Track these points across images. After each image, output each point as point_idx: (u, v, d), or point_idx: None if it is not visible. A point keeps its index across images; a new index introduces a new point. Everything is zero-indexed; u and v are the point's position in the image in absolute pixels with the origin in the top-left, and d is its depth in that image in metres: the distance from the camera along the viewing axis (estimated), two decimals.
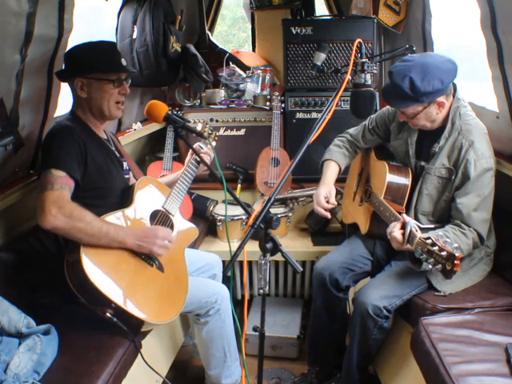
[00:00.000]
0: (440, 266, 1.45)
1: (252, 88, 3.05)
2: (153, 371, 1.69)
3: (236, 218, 2.62)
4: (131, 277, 1.61)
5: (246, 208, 1.51)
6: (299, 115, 2.81)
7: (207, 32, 3.36)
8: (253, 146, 2.83)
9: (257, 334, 1.44)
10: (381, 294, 1.81)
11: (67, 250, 1.59)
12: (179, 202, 1.89)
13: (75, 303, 1.58)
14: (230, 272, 1.42)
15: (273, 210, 2.57)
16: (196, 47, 2.97)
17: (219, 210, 2.70)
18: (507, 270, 1.93)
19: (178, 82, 3.01)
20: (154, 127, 2.95)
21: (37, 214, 1.50)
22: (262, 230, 1.33)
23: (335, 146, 2.20)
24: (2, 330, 1.48)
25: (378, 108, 2.66)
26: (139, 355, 1.66)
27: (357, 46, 1.74)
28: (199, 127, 2.07)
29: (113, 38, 2.71)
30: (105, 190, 1.75)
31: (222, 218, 2.62)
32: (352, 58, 1.72)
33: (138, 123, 2.84)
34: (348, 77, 1.68)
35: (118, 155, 1.90)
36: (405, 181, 1.92)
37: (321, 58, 2.61)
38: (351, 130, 2.22)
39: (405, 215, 1.69)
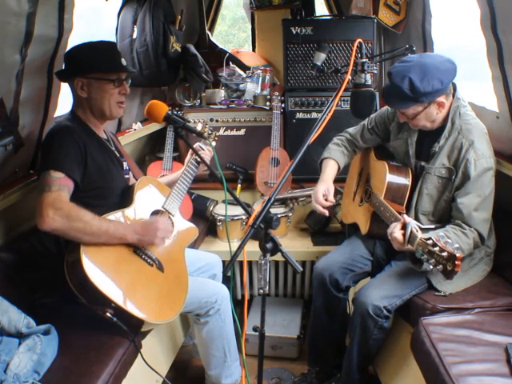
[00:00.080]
0: (441, 266, 1.45)
1: (252, 88, 3.05)
2: (153, 371, 1.69)
3: (236, 217, 2.62)
4: (131, 276, 1.61)
5: (246, 208, 1.51)
6: (299, 115, 2.81)
7: (207, 32, 3.36)
8: (253, 146, 2.83)
9: (257, 334, 1.44)
10: (381, 293, 1.81)
11: (67, 249, 1.59)
12: (179, 202, 1.89)
13: (75, 303, 1.58)
14: (230, 272, 1.42)
15: (273, 210, 2.57)
16: (196, 47, 2.97)
17: (219, 210, 2.70)
18: (507, 270, 1.93)
19: (178, 82, 3.01)
20: (153, 127, 2.95)
21: (35, 216, 1.51)
22: (261, 230, 1.33)
23: (334, 144, 2.20)
24: (2, 330, 1.48)
25: (378, 108, 2.66)
26: (139, 355, 1.66)
27: (357, 46, 1.74)
28: (199, 127, 2.07)
29: (113, 38, 2.71)
30: (105, 190, 1.75)
31: (222, 217, 2.62)
32: (352, 57, 1.72)
33: (138, 123, 2.84)
34: (348, 77, 1.68)
35: (118, 155, 1.90)
36: (405, 181, 1.92)
37: (321, 58, 2.61)
38: (350, 130, 2.22)
39: (405, 216, 1.69)
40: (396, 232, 1.65)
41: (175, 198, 1.88)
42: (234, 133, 2.90)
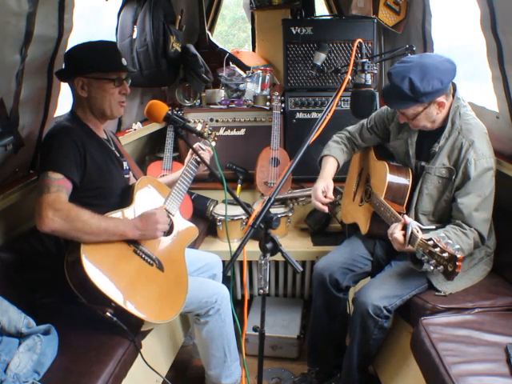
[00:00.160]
0: (442, 267, 1.44)
1: (252, 88, 3.05)
2: (153, 371, 1.69)
3: (236, 217, 2.62)
4: (131, 276, 1.61)
5: (246, 208, 1.51)
6: (299, 115, 2.81)
7: (207, 32, 3.36)
8: (253, 146, 2.83)
9: (257, 334, 1.44)
10: (381, 293, 1.81)
11: (67, 249, 1.59)
12: (179, 202, 1.89)
13: (75, 303, 1.58)
14: (230, 272, 1.42)
15: (273, 210, 2.57)
16: (196, 47, 2.97)
17: (219, 210, 2.70)
18: (507, 270, 1.93)
19: (178, 82, 3.01)
20: (153, 127, 2.95)
21: (35, 217, 1.51)
22: (261, 230, 1.33)
23: (334, 142, 2.21)
24: (2, 330, 1.48)
25: (378, 108, 2.66)
26: (139, 355, 1.66)
27: (357, 46, 1.73)
28: (199, 127, 2.07)
29: (113, 38, 2.71)
30: (105, 190, 1.75)
31: (222, 217, 2.62)
32: (352, 57, 1.72)
33: (138, 123, 2.84)
34: (348, 77, 1.68)
35: (118, 155, 1.90)
36: (405, 181, 1.92)
37: (321, 58, 2.61)
38: (350, 128, 2.23)
39: (406, 216, 1.69)
40: (397, 233, 1.65)
41: (175, 197, 1.88)
42: (234, 133, 2.90)
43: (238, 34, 11.41)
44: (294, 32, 2.69)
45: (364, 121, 2.18)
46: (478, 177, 1.74)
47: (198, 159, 1.91)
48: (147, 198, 1.83)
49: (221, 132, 2.88)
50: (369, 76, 1.76)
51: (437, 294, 1.81)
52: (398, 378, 1.95)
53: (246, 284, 1.46)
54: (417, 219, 1.88)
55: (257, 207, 1.45)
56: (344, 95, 2.12)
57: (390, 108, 2.08)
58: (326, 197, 2.02)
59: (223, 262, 2.25)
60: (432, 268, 1.48)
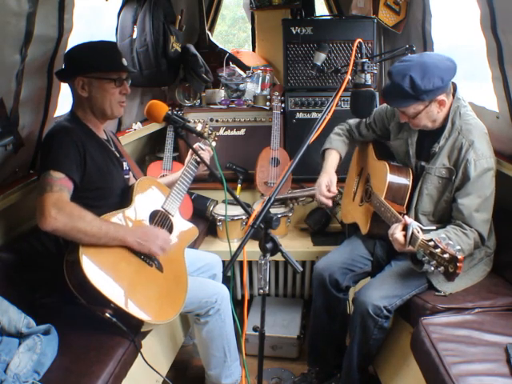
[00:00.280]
0: (442, 268, 1.44)
1: (252, 88, 3.04)
2: (153, 371, 1.69)
3: (236, 217, 2.62)
4: (131, 277, 1.61)
5: (246, 208, 1.51)
6: (299, 115, 2.81)
7: (207, 32, 3.36)
8: (253, 146, 2.83)
9: (257, 334, 1.44)
10: (381, 293, 1.81)
11: (67, 250, 1.59)
12: (179, 202, 1.89)
13: (75, 303, 1.58)
14: (230, 272, 1.42)
15: (273, 210, 2.57)
16: (196, 47, 2.97)
17: (219, 210, 2.70)
18: (507, 270, 1.93)
19: (178, 82, 3.01)
20: (153, 127, 2.95)
21: (36, 216, 1.50)
22: (261, 230, 1.33)
23: (335, 134, 2.24)
24: (2, 330, 1.48)
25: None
26: (139, 355, 1.66)
27: (357, 46, 1.73)
28: (199, 127, 2.07)
29: (113, 38, 2.71)
30: (105, 191, 1.75)
31: (222, 217, 2.62)
32: (352, 57, 1.72)
33: (138, 123, 2.84)
34: (348, 77, 1.68)
35: (118, 155, 1.90)
36: (405, 181, 1.92)
37: (321, 58, 2.61)
38: (351, 121, 2.25)
39: (406, 217, 1.68)
40: (397, 233, 1.65)
41: (175, 198, 1.88)
42: (234, 133, 2.90)
43: (238, 34, 11.41)
44: (294, 32, 2.69)
45: None
46: (477, 177, 1.74)
47: (198, 159, 1.91)
48: (147, 198, 1.83)
49: (221, 132, 2.88)
50: (369, 76, 1.76)
51: (437, 293, 1.81)
52: (397, 377, 1.95)
53: (245, 284, 1.46)
54: (417, 219, 1.88)
55: (257, 207, 1.45)
56: (344, 95, 2.12)
57: (390, 107, 2.08)
58: (329, 191, 2.04)
59: (223, 261, 2.25)
60: (433, 269, 1.48)
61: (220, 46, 3.39)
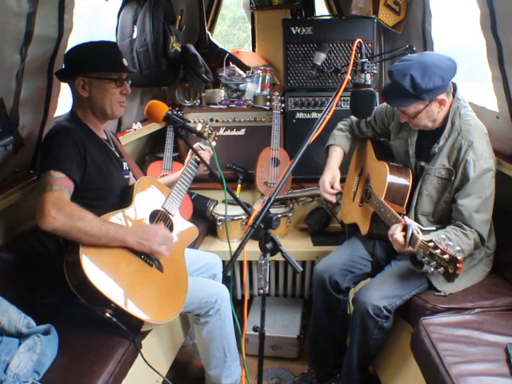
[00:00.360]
0: (442, 269, 1.44)
1: (252, 88, 3.05)
2: (153, 371, 1.69)
3: (236, 217, 2.62)
4: (131, 277, 1.61)
5: (246, 208, 1.51)
6: (299, 115, 2.81)
7: (207, 32, 3.36)
8: (253, 146, 2.83)
9: (257, 334, 1.44)
10: (381, 294, 1.81)
11: (67, 250, 1.59)
12: (179, 202, 1.89)
13: (75, 303, 1.58)
14: (230, 272, 1.42)
15: (273, 210, 2.57)
16: (196, 47, 2.97)
17: (219, 210, 2.70)
18: (507, 270, 1.93)
19: (178, 82, 3.01)
20: (153, 127, 2.95)
21: (36, 215, 1.50)
22: (261, 230, 1.33)
23: (338, 130, 2.26)
24: (2, 329, 1.48)
25: None
26: (139, 355, 1.66)
27: (357, 46, 1.73)
28: (199, 127, 2.07)
29: (113, 38, 2.71)
30: (105, 191, 1.75)
31: (222, 217, 2.62)
32: (352, 57, 1.72)
33: (138, 123, 2.84)
34: (348, 77, 1.68)
35: (118, 155, 1.90)
36: (405, 181, 1.91)
37: (321, 58, 2.61)
38: (353, 116, 2.24)
39: (406, 217, 1.68)
40: (397, 234, 1.65)
41: (175, 198, 1.88)
42: (234, 133, 2.90)
43: (238, 34, 11.41)
44: (294, 32, 2.69)
45: None
46: (477, 178, 1.74)
47: (198, 159, 1.91)
48: (147, 198, 1.83)
49: (221, 132, 2.88)
50: (369, 76, 1.76)
51: (437, 294, 1.81)
52: (397, 378, 1.95)
53: (245, 284, 1.46)
54: (416, 220, 1.88)
55: (257, 207, 1.45)
56: (344, 95, 2.12)
57: (389, 106, 2.08)
58: (333, 187, 2.06)
59: (223, 262, 2.25)
60: (432, 270, 1.47)
61: (220, 45, 3.39)
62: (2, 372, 1.36)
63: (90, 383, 1.41)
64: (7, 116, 1.68)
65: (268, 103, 2.88)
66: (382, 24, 2.80)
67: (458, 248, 1.45)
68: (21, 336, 1.51)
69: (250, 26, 3.86)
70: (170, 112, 1.72)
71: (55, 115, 1.99)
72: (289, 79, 2.78)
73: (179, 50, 2.81)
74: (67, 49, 1.81)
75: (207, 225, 2.77)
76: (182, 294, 1.74)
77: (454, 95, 1.82)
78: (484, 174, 1.75)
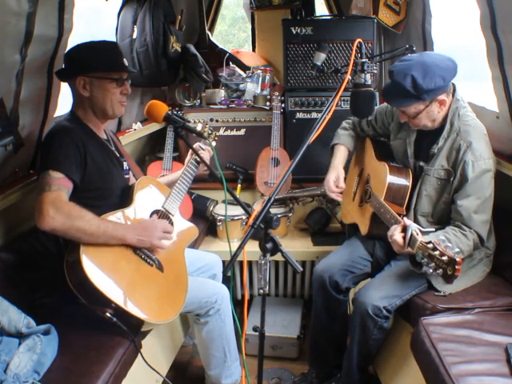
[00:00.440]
0: (441, 270, 1.44)
1: (252, 88, 3.05)
2: (153, 371, 1.69)
3: (236, 217, 2.62)
4: (131, 276, 1.61)
5: (246, 208, 1.51)
6: (299, 115, 2.81)
7: (207, 32, 3.36)
8: (253, 146, 2.83)
9: (257, 334, 1.44)
10: (381, 294, 1.81)
11: (67, 249, 1.59)
12: (179, 202, 1.89)
13: (75, 303, 1.58)
14: (230, 272, 1.42)
15: (273, 210, 2.57)
16: (196, 47, 2.97)
17: (219, 210, 2.70)
18: (507, 271, 1.93)
19: (178, 82, 3.01)
20: (153, 127, 2.95)
21: (35, 215, 1.51)
22: (261, 230, 1.33)
23: (342, 129, 2.27)
24: (2, 329, 1.48)
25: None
26: (139, 355, 1.66)
27: (357, 46, 1.73)
28: (199, 127, 2.07)
29: (113, 38, 2.71)
30: (105, 191, 1.75)
31: (222, 217, 2.62)
32: (352, 57, 1.72)
33: (138, 123, 2.84)
34: (348, 77, 1.68)
35: (118, 155, 1.90)
36: (405, 182, 1.91)
37: (321, 58, 2.61)
38: None
39: (405, 218, 1.68)
40: (396, 235, 1.65)
41: (175, 197, 1.88)
42: (234, 133, 2.90)
43: (238, 34, 11.41)
44: (294, 32, 2.69)
45: None
46: (476, 178, 1.74)
47: (198, 159, 1.91)
48: (147, 198, 1.83)
49: (221, 132, 2.88)
50: (369, 76, 1.76)
51: (436, 294, 1.81)
52: (397, 378, 1.95)
53: (245, 284, 1.46)
54: (416, 220, 1.88)
55: (257, 207, 1.45)
56: (344, 95, 2.12)
57: (388, 107, 2.08)
58: (337, 186, 2.09)
59: (223, 262, 2.25)
60: (431, 271, 1.47)
61: (220, 45, 3.39)
62: (2, 372, 1.36)
63: (90, 383, 1.41)
64: (7, 116, 1.68)
65: (268, 103, 2.88)
66: (382, 24, 2.80)
67: (457, 250, 1.45)
68: (21, 336, 1.51)
69: (249, 26, 3.86)
70: (170, 112, 1.73)
71: (55, 115, 1.99)
72: (289, 79, 2.78)
73: (179, 50, 2.81)
74: (67, 49, 1.81)
75: (207, 225, 2.77)
76: (182, 293, 1.74)
77: (453, 95, 1.82)
78: (483, 174, 1.75)
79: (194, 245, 2.42)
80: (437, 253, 1.46)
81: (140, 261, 1.67)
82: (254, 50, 3.59)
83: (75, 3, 1.79)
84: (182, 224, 1.94)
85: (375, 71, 1.81)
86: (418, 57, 1.76)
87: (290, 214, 2.69)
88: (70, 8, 1.77)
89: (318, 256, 2.55)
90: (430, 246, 1.49)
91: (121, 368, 1.54)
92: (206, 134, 2.02)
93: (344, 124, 2.29)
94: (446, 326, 1.67)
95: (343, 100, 2.71)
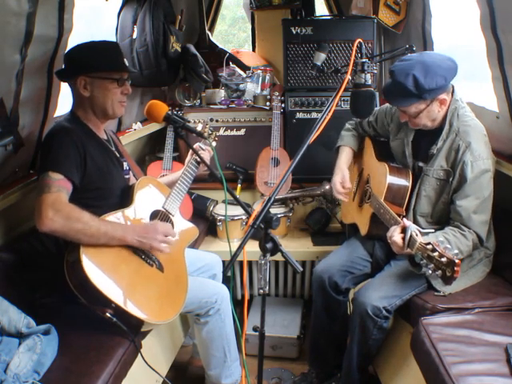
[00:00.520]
0: (440, 271, 1.44)
1: (252, 88, 3.04)
2: (153, 371, 1.69)
3: (236, 217, 2.62)
4: (131, 277, 1.61)
5: (246, 208, 1.51)
6: (299, 115, 2.81)
7: (207, 32, 3.36)
8: (253, 146, 2.83)
9: (257, 334, 1.44)
10: (380, 294, 1.81)
11: (67, 250, 1.59)
12: (179, 202, 1.89)
13: (75, 303, 1.58)
14: (230, 272, 1.42)
15: (273, 210, 2.57)
16: (196, 47, 2.97)
17: (219, 210, 2.70)
18: (507, 271, 1.93)
19: (178, 82, 3.01)
20: (153, 127, 2.95)
21: (34, 217, 1.50)
22: (261, 230, 1.33)
23: (345, 130, 2.29)
24: (2, 329, 1.48)
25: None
26: (139, 355, 1.66)
27: (357, 46, 1.73)
28: (199, 127, 2.07)
29: (113, 38, 2.71)
30: (105, 191, 1.75)
31: (222, 217, 2.62)
32: (352, 57, 1.71)
33: (138, 123, 2.84)
34: (348, 77, 1.68)
35: (118, 155, 1.90)
36: (405, 182, 1.91)
37: (321, 58, 2.61)
38: None
39: (405, 219, 1.68)
40: (395, 236, 1.65)
41: (175, 198, 1.88)
42: (234, 133, 2.90)
43: (238, 34, 11.41)
44: (294, 32, 2.68)
45: None
46: (475, 178, 1.74)
47: (198, 159, 1.91)
48: (147, 198, 1.83)
49: (221, 132, 2.88)
50: (369, 76, 1.76)
51: (436, 294, 1.81)
52: (397, 378, 1.95)
53: (245, 284, 1.46)
54: (415, 221, 1.88)
55: (257, 207, 1.45)
56: (344, 95, 2.12)
57: (387, 108, 2.10)
58: (344, 187, 2.11)
59: (223, 262, 2.25)
60: (430, 272, 1.48)
61: (220, 45, 3.39)
62: (2, 372, 1.36)
63: (90, 383, 1.41)
64: (7, 116, 1.68)
65: (268, 103, 2.88)
66: (382, 24, 2.80)
67: (456, 251, 1.45)
68: (21, 336, 1.51)
69: (249, 26, 3.85)
70: (170, 112, 1.72)
71: (55, 115, 1.99)
72: (289, 79, 2.78)
73: (179, 50, 2.81)
74: (67, 49, 1.81)
75: (207, 225, 2.77)
76: (182, 293, 1.74)
77: (452, 96, 1.82)
78: (482, 174, 1.75)
79: (194, 245, 2.42)
80: (436, 254, 1.46)
81: (140, 261, 1.67)
82: (254, 50, 3.59)
83: (75, 3, 1.79)
84: (182, 224, 1.94)
85: (375, 71, 1.81)
86: (418, 56, 1.76)
87: (290, 214, 2.69)
88: (70, 8, 1.77)
89: (318, 256, 2.55)
90: (429, 247, 1.49)
91: (121, 368, 1.54)
92: (206, 134, 2.02)
93: (347, 125, 2.30)
94: (446, 326, 1.67)
95: (343, 100, 2.70)
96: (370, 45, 2.65)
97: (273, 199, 1.37)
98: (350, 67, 1.71)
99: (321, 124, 1.51)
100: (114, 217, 1.67)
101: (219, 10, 3.99)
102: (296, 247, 2.63)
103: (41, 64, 1.78)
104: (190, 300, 1.76)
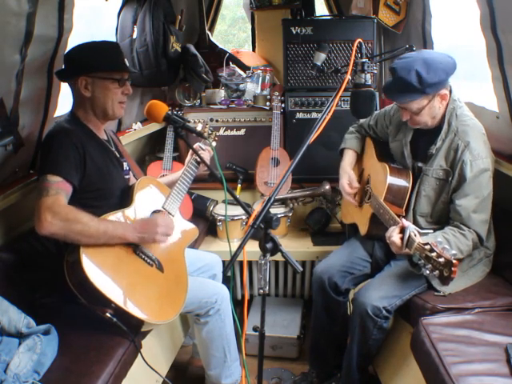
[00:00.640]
0: (437, 272, 1.44)
1: (252, 88, 3.04)
2: (153, 371, 1.69)
3: (236, 217, 2.62)
4: (131, 277, 1.61)
5: (246, 208, 1.51)
6: (299, 115, 2.81)
7: (207, 32, 3.36)
8: (253, 146, 2.83)
9: (257, 334, 1.44)
10: (380, 294, 1.81)
11: (67, 250, 1.59)
12: (179, 202, 1.89)
13: (75, 303, 1.58)
14: (230, 272, 1.42)
15: (273, 210, 2.57)
16: (196, 47, 2.97)
17: (219, 210, 2.70)
18: (507, 270, 1.93)
19: (178, 82, 3.01)
20: (154, 127, 2.95)
21: (34, 220, 1.51)
22: (261, 230, 1.33)
23: (348, 133, 2.31)
24: (2, 330, 1.48)
25: (378, 108, 2.66)
26: (139, 355, 1.66)
27: (357, 46, 1.73)
28: (199, 127, 2.07)
29: (113, 38, 2.71)
30: (105, 192, 1.75)
31: (222, 217, 2.62)
32: (352, 57, 1.72)
33: (138, 123, 2.84)
34: (348, 77, 1.68)
35: (118, 155, 1.90)
36: (405, 183, 1.91)
37: (321, 58, 2.61)
38: (361, 120, 2.29)
39: (404, 220, 1.68)
40: (394, 236, 1.65)
41: (175, 198, 1.88)
42: (234, 133, 2.90)
43: (238, 34, 11.41)
44: (294, 32, 2.68)
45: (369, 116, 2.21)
46: (474, 178, 1.74)
47: (198, 159, 1.91)
48: (147, 198, 1.83)
49: (221, 132, 2.88)
50: (369, 76, 1.76)
51: (436, 294, 1.81)
52: (397, 378, 1.95)
53: (245, 284, 1.46)
54: (415, 221, 1.88)
55: (257, 207, 1.45)
56: (344, 95, 2.12)
57: (386, 112, 2.11)
58: (352, 187, 2.13)
59: (223, 262, 2.25)
60: (428, 272, 1.47)
61: (220, 45, 3.38)
62: (2, 372, 1.36)
63: (90, 383, 1.41)
64: (7, 116, 1.68)
65: (268, 103, 2.88)
66: (382, 24, 2.80)
67: (454, 252, 1.45)
68: (21, 336, 1.51)
69: (249, 26, 3.85)
70: (170, 112, 1.72)
71: (55, 115, 1.99)
72: (289, 79, 2.78)
73: (179, 50, 2.81)
74: (67, 49, 1.81)
75: (207, 225, 2.77)
76: (181, 294, 1.74)
77: (450, 95, 1.83)
78: (481, 173, 1.75)
79: (194, 245, 2.42)
80: (434, 254, 1.46)
81: (140, 261, 1.67)
82: (254, 49, 3.59)
83: (75, 3, 1.79)
84: (182, 224, 1.94)
85: (375, 71, 1.81)
86: (417, 54, 1.78)
87: (290, 214, 2.69)
88: (70, 8, 1.77)
89: (318, 256, 2.55)
90: (428, 247, 1.49)
91: (121, 368, 1.54)
92: (206, 134, 2.03)
93: (350, 129, 2.32)
94: (445, 326, 1.67)
95: (343, 100, 2.70)
96: (369, 45, 2.65)
97: (273, 199, 1.37)
98: (350, 67, 1.71)
99: (321, 124, 1.51)
100: (114, 217, 1.67)
101: (219, 10, 3.99)
102: (296, 247, 2.63)
103: (41, 64, 1.78)
104: (189, 300, 1.76)
